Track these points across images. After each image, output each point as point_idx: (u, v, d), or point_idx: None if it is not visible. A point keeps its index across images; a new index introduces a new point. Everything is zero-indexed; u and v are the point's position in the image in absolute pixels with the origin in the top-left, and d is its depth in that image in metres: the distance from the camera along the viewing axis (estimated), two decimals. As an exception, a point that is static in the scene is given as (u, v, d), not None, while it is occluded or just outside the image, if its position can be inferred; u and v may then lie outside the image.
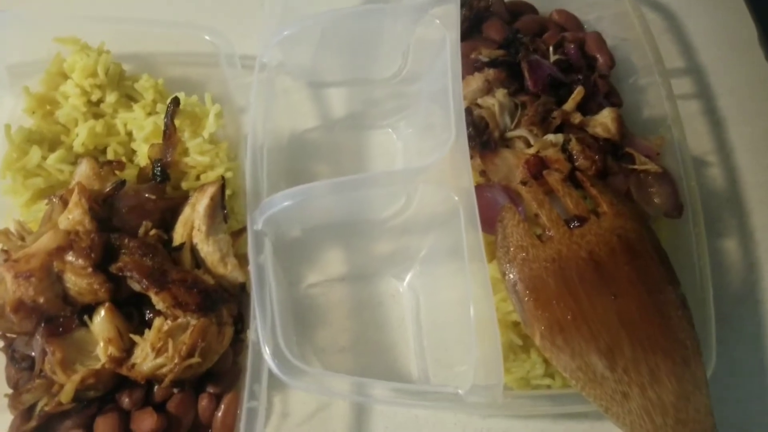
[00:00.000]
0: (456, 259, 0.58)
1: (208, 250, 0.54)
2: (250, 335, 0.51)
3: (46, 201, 0.54)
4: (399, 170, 0.63)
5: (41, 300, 0.48)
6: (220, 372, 0.53)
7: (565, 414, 0.57)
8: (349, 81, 0.71)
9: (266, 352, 0.48)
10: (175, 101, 0.56)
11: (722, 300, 0.60)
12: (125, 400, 0.50)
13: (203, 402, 0.52)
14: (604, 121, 0.59)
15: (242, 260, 0.55)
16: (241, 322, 0.54)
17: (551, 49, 0.66)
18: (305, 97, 0.69)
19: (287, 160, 0.65)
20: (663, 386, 0.48)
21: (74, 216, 0.50)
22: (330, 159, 0.66)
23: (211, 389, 0.53)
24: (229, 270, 0.54)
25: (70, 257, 0.49)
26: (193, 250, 0.54)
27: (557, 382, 0.54)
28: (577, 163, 0.56)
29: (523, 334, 0.54)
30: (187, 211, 0.54)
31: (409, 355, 0.59)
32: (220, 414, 0.52)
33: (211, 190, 0.53)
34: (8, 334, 0.52)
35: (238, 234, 0.56)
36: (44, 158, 0.56)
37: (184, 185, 0.57)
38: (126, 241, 0.51)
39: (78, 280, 0.49)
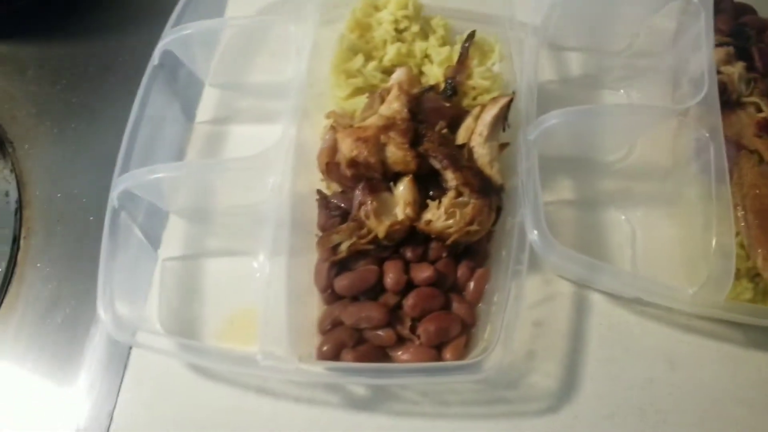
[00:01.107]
0: (672, 205, 0.70)
1: (482, 152, 0.67)
2: (516, 220, 0.63)
3: (365, 95, 0.69)
4: (654, 106, 0.74)
5: (371, 160, 0.62)
6: (476, 250, 0.66)
7: (753, 343, 0.66)
8: (584, 48, 0.83)
9: (532, 230, 0.60)
10: (472, 34, 0.71)
11: None
12: (408, 253, 0.64)
13: (461, 270, 0.65)
14: (822, 103, 0.69)
15: (502, 168, 0.68)
16: (498, 215, 0.67)
17: (773, 42, 0.76)
18: (547, 56, 0.81)
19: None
20: None
21: (395, 106, 0.65)
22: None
23: (467, 263, 0.65)
24: (494, 171, 0.67)
25: (392, 134, 0.63)
26: (469, 151, 0.67)
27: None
28: (798, 131, 0.66)
29: (737, 264, 0.64)
30: (469, 120, 0.68)
31: (624, 273, 0.70)
32: (473, 282, 0.65)
33: (502, 101, 0.66)
34: (321, 191, 0.67)
35: (502, 147, 0.69)
36: (363, 66, 0.71)
37: (464, 103, 0.71)
38: (428, 131, 0.65)
39: (397, 151, 0.63)
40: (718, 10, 0.80)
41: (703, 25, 0.67)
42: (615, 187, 0.74)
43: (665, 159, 0.73)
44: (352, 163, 0.63)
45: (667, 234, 0.70)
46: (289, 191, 0.64)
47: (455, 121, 0.69)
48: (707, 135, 0.62)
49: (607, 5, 0.80)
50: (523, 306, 0.66)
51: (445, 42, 0.74)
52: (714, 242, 0.59)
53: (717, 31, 0.77)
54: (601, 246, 0.71)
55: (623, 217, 0.72)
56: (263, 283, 0.57)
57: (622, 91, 0.79)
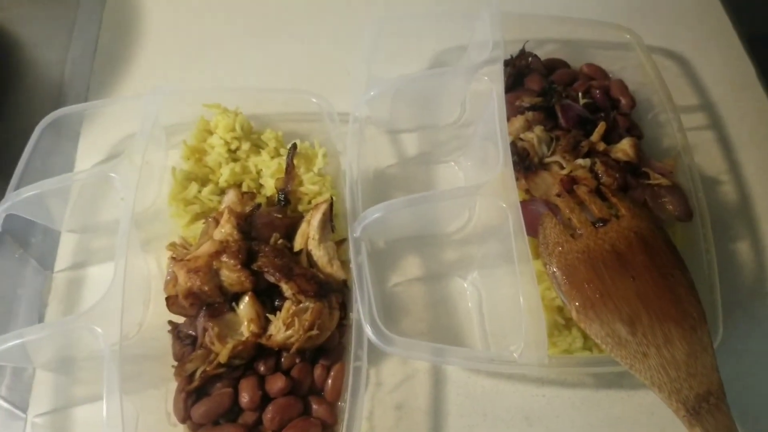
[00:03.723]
0: (508, 262, 0.74)
1: (319, 254, 0.71)
2: (353, 316, 0.67)
3: (203, 221, 0.73)
4: (462, 187, 0.79)
5: (205, 288, 0.66)
6: (329, 348, 0.69)
7: (604, 384, 0.71)
8: (418, 128, 0.88)
9: (366, 325, 0.64)
10: (294, 146, 0.75)
11: (733, 293, 0.74)
12: (261, 367, 0.66)
13: (317, 371, 0.68)
14: (623, 147, 0.75)
15: (343, 263, 0.72)
16: (344, 310, 0.70)
17: (580, 94, 0.82)
18: (385, 141, 0.87)
19: (373, 190, 0.81)
20: (675, 347, 0.61)
21: (225, 230, 0.69)
22: (405, 188, 0.83)
23: (322, 362, 0.68)
24: (335, 269, 0.71)
25: (224, 258, 0.67)
26: (308, 255, 0.71)
27: (594, 354, 0.68)
28: (601, 180, 0.71)
29: (566, 316, 0.69)
30: (303, 226, 0.72)
31: (474, 338, 0.73)
32: (330, 380, 0.67)
33: (323, 207, 0.71)
34: (173, 322, 0.71)
35: (340, 243, 0.73)
36: (199, 191, 0.75)
37: (300, 208, 0.75)
38: (262, 246, 0.69)
39: (230, 274, 0.67)
40: (529, 70, 0.88)
41: (495, 102, 0.73)
42: (458, 255, 0.79)
43: (497, 220, 0.77)
44: (189, 293, 0.66)
45: (508, 292, 0.73)
46: (142, 326, 0.67)
47: (292, 228, 0.73)
48: (504, 205, 0.67)
49: (431, 84, 0.85)
50: (383, 392, 0.71)
51: (277, 153, 0.79)
52: (522, 305, 0.63)
53: (528, 91, 0.84)
54: (452, 315, 0.75)
55: (466, 284, 0.76)
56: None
57: (452, 162, 0.85)
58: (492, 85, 0.75)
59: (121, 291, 0.64)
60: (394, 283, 0.77)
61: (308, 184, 0.76)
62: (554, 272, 0.65)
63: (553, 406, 0.70)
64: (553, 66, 0.89)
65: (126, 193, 0.69)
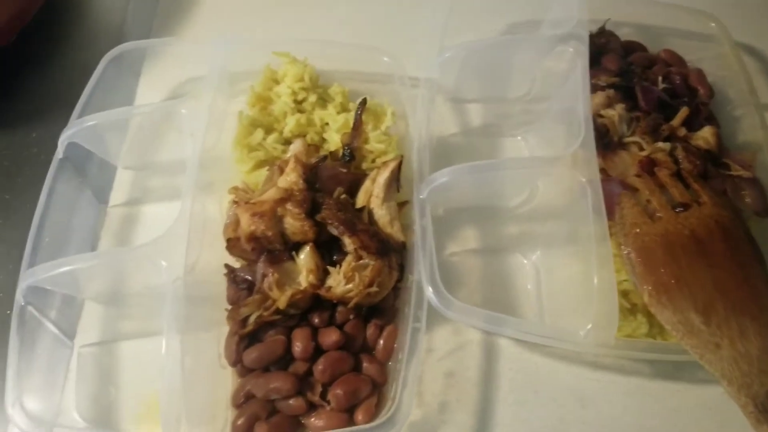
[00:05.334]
0: (571, 244, 0.72)
1: (381, 213, 0.69)
2: (413, 278, 0.66)
3: (266, 168, 0.71)
4: (536, 157, 0.77)
5: (269, 234, 0.64)
6: (383, 309, 0.68)
7: (661, 374, 0.68)
8: (485, 99, 0.86)
9: (427, 287, 0.63)
10: (364, 101, 0.74)
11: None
12: (316, 319, 0.65)
13: (370, 330, 0.67)
14: (704, 135, 0.72)
15: (403, 226, 0.71)
16: (401, 272, 0.69)
17: (660, 78, 0.80)
18: (451, 109, 0.85)
19: (437, 157, 0.79)
20: (750, 342, 0.58)
21: (291, 178, 0.68)
22: (469, 158, 0.79)
23: (375, 321, 0.67)
24: (395, 230, 0.69)
25: (289, 206, 0.65)
26: (369, 213, 0.70)
27: (658, 341, 0.66)
28: (681, 166, 0.69)
29: (632, 300, 0.67)
30: (367, 183, 0.71)
31: (530, 316, 0.72)
32: (382, 340, 0.66)
33: (392, 165, 0.69)
34: (229, 265, 0.69)
35: (401, 206, 0.72)
36: (263, 138, 0.74)
37: (364, 166, 0.74)
38: (326, 199, 0.67)
39: (294, 222, 0.65)
40: (607, 49, 0.85)
41: (579, 74, 0.71)
42: (519, 231, 0.77)
43: (564, 199, 0.75)
44: (251, 237, 0.65)
45: (569, 273, 0.72)
46: (195, 268, 0.66)
47: (355, 185, 0.72)
48: (583, 180, 0.65)
49: (501, 54, 0.83)
50: (433, 359, 0.69)
51: (343, 108, 0.77)
52: (596, 284, 0.61)
53: (605, 71, 0.82)
54: (508, 291, 0.73)
55: (525, 261, 0.74)
56: (162, 366, 0.58)
57: (519, 137, 0.83)
58: (577, 56, 0.72)
59: (187, 226, 0.62)
60: (451, 252, 0.75)
61: (374, 142, 0.74)
62: (629, 253, 0.63)
63: (607, 391, 0.68)
64: (630, 48, 0.87)
65: (195, 129, 0.68)
